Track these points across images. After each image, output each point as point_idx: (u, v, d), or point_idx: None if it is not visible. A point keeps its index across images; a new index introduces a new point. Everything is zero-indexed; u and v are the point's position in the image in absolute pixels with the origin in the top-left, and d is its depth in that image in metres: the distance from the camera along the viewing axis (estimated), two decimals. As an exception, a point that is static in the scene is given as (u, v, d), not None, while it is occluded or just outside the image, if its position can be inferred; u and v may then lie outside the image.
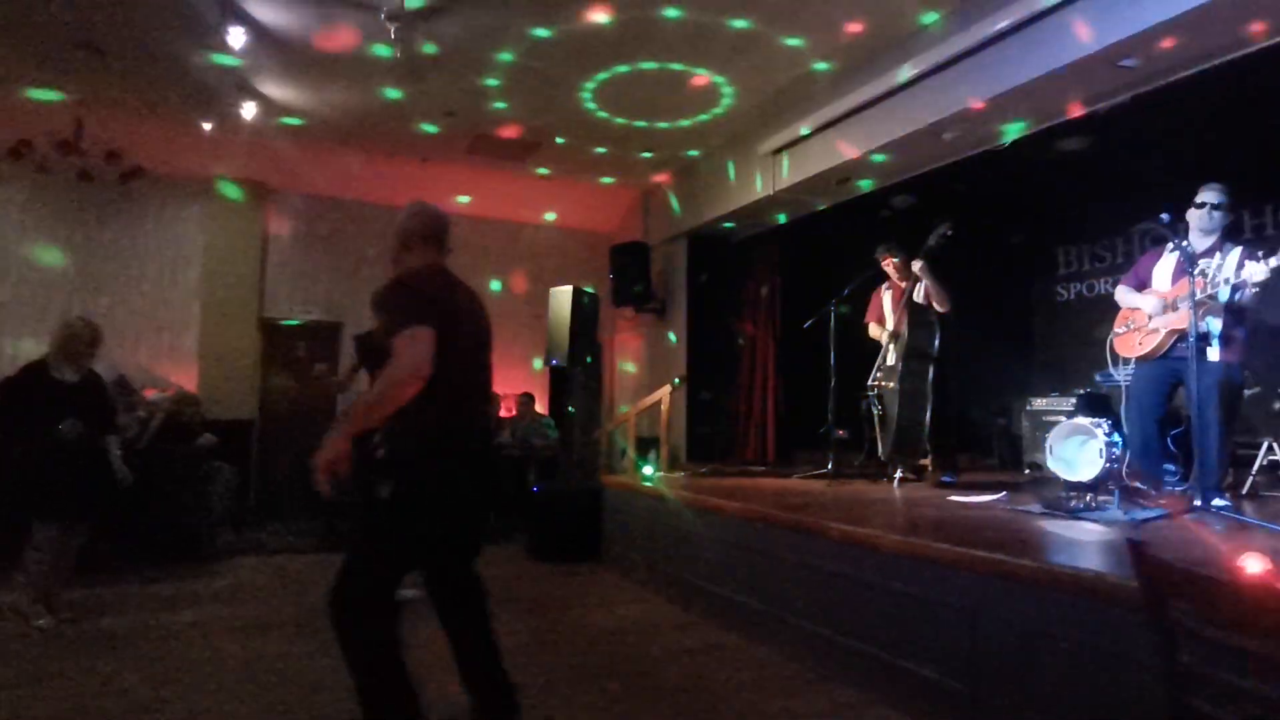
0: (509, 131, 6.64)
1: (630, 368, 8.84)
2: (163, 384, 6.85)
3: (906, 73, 4.88)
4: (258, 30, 4.84)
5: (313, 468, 2.00)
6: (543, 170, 7.65)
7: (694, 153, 7.22)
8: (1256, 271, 3.38)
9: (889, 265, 5.22)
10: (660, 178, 7.96)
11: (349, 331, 7.21)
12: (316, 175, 7.50)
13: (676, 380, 7.00)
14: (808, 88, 5.73)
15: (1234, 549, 2.49)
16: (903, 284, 5.10)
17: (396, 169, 7.48)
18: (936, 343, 4.86)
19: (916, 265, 4.90)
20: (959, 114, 4.75)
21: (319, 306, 7.94)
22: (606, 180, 7.96)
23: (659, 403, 6.70)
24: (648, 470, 6.06)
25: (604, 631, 3.88)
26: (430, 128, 6.54)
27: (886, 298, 5.31)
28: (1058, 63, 4.12)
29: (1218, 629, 1.25)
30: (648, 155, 7.25)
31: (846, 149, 5.57)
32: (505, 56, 5.29)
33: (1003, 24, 4.26)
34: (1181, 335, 3.52)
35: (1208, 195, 3.66)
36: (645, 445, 6.82)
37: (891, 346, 5.10)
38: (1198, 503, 3.37)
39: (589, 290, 6.55)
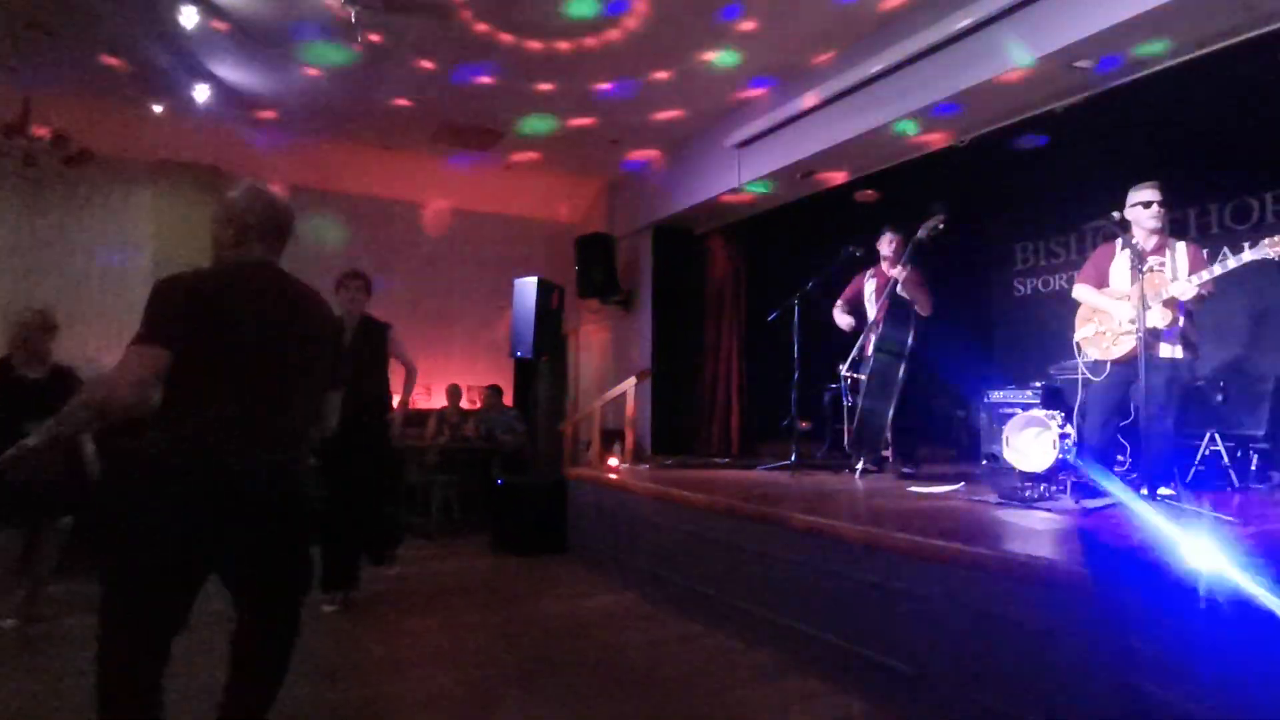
0: (473, 120, 6.55)
1: (595, 360, 8.82)
2: (111, 375, 6.64)
3: (869, 69, 4.92)
4: (212, 10, 4.70)
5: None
6: (505, 160, 7.58)
7: (660, 144, 7.21)
8: (1207, 271, 3.49)
9: (889, 246, 5.14)
10: (625, 169, 7.93)
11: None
12: (276, 161, 7.32)
13: (637, 379, 7.00)
14: (772, 83, 5.76)
15: (1176, 536, 2.57)
16: (891, 272, 5.06)
17: (359, 156, 7.33)
18: (911, 340, 4.87)
19: (900, 272, 4.88)
20: (921, 110, 4.82)
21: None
22: (577, 167, 7.89)
23: (624, 395, 6.69)
24: (612, 462, 6.06)
25: (568, 623, 3.87)
26: (394, 110, 6.41)
27: (870, 285, 5.27)
28: (1010, 64, 4.20)
29: (1165, 612, 1.29)
30: (612, 144, 7.20)
31: (809, 143, 5.61)
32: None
33: (965, 22, 4.33)
34: (1136, 333, 3.60)
35: (1149, 194, 3.71)
36: (610, 437, 6.81)
37: (870, 337, 5.09)
38: (1145, 491, 3.47)
39: (553, 283, 6.52)
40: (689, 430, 7.65)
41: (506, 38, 5.14)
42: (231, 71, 5.61)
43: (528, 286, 6.20)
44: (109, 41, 5.07)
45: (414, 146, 7.20)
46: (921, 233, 4.80)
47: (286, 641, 2.01)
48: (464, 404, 7.62)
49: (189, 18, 4.61)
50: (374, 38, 5.02)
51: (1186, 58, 4.02)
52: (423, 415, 7.01)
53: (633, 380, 6.72)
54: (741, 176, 6.33)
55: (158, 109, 6.10)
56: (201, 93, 5.70)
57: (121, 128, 6.51)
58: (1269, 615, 1.16)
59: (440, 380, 7.54)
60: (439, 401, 7.49)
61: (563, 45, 5.25)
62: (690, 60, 5.47)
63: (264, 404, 1.91)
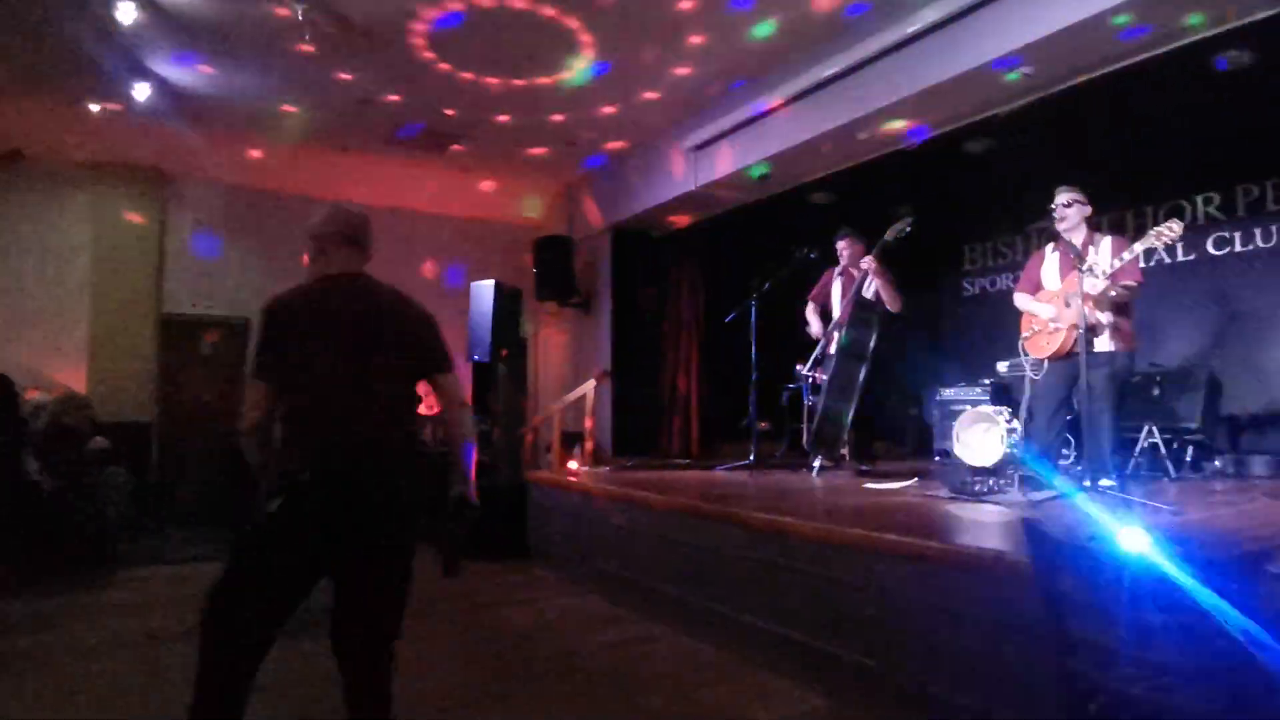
0: (429, 121, 6.47)
1: (554, 362, 8.78)
2: (47, 384, 6.39)
3: (823, 72, 5.01)
4: (152, 6, 4.56)
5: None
6: (463, 162, 7.50)
7: (617, 146, 7.22)
8: (1122, 260, 3.63)
9: (845, 250, 5.26)
10: (584, 171, 7.93)
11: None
12: (224, 163, 7.13)
13: (597, 381, 7.00)
14: (729, 86, 5.81)
15: (1117, 526, 2.67)
16: (854, 273, 5.16)
17: (313, 158, 7.18)
18: (873, 342, 4.95)
19: (868, 261, 4.99)
20: (873, 114, 4.91)
21: (225, 302, 7.55)
22: (536, 169, 7.84)
23: (583, 397, 6.68)
24: (572, 464, 6.03)
25: (531, 627, 3.85)
26: (348, 113, 6.30)
27: (837, 284, 5.35)
28: (962, 67, 4.32)
29: (1100, 598, 1.35)
30: (568, 147, 7.19)
31: (766, 146, 5.68)
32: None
33: (915, 27, 4.43)
34: (1076, 330, 3.75)
35: (1060, 196, 3.92)
36: (570, 440, 6.79)
37: (834, 335, 5.16)
38: (1088, 483, 3.60)
39: (512, 285, 6.47)
40: (649, 432, 7.67)
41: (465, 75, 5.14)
42: (174, 70, 5.44)
43: (485, 289, 6.15)
44: (39, 35, 4.87)
45: (369, 149, 7.08)
46: (889, 235, 4.90)
47: (390, 636, 2.04)
48: (422, 409, 7.51)
49: (126, 13, 4.46)
50: (319, 42, 4.93)
51: (1123, 64, 4.18)
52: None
53: (592, 382, 6.72)
54: (698, 179, 6.38)
55: (94, 108, 5.89)
56: (142, 91, 5.52)
57: (55, 127, 6.27)
58: (1194, 599, 1.22)
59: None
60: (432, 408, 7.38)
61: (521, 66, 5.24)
62: (647, 63, 5.49)
63: (357, 406, 2.03)
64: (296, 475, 1.97)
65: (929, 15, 4.36)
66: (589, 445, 6.55)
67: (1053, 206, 3.94)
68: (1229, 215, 5.59)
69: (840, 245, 5.29)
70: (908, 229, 4.84)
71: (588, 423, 6.63)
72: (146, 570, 5.15)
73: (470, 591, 4.59)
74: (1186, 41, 3.91)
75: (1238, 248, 5.54)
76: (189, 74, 5.50)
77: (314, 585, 2.00)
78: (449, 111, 6.28)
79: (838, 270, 5.37)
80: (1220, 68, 4.27)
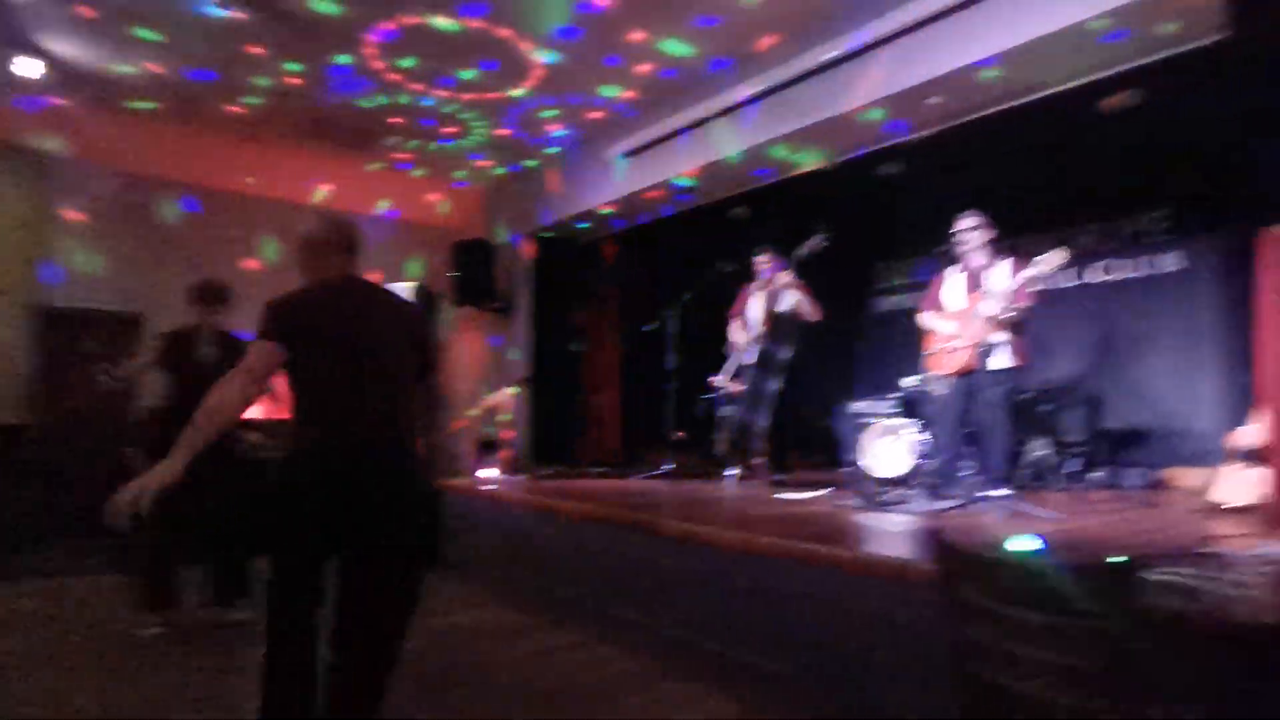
0: (347, 117, 6.26)
1: (473, 368, 8.61)
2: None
3: (742, 92, 5.13)
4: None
5: (122, 496, 1.91)
6: (383, 161, 7.29)
7: (542, 152, 7.18)
8: (1015, 283, 3.88)
9: (764, 265, 5.39)
10: (507, 175, 7.84)
11: (153, 326, 6.47)
12: (120, 147, 6.67)
13: (515, 388, 6.91)
14: (656, 98, 5.88)
15: (1010, 533, 2.83)
16: (772, 288, 5.28)
17: (218, 148, 6.82)
18: (788, 355, 5.10)
19: (785, 275, 5.12)
20: (793, 133, 5.06)
21: (115, 295, 7.06)
22: (458, 172, 7.71)
23: (501, 404, 6.59)
24: (488, 473, 5.94)
25: (443, 640, 3.74)
26: (256, 102, 6.01)
27: (754, 300, 5.49)
28: (874, 95, 4.51)
29: (995, 603, 1.42)
30: (491, 151, 7.11)
31: (687, 160, 5.77)
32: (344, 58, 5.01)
33: (831, 54, 4.60)
34: (978, 348, 3.97)
35: (961, 222, 4.19)
36: (487, 447, 6.68)
37: (749, 350, 5.28)
38: (985, 493, 3.80)
39: (431, 289, 6.33)
40: (567, 440, 7.63)
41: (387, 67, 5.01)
42: (66, 46, 5.06)
43: (403, 292, 5.99)
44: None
45: (282, 141, 6.78)
46: (804, 251, 5.05)
47: (394, 636, 2.19)
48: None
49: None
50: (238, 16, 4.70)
51: (1022, 100, 4.46)
52: (283, 424, 6.59)
53: (511, 389, 6.64)
54: (622, 189, 6.41)
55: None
56: (23, 66, 5.10)
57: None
58: (1077, 602, 1.30)
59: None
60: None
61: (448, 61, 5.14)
62: (577, 73, 5.49)
63: (371, 398, 2.15)
64: (306, 473, 2.08)
65: (839, 46, 4.54)
66: (506, 453, 6.46)
67: (956, 230, 4.18)
68: (1112, 245, 6.04)
69: (759, 260, 5.44)
70: (822, 244, 5.01)
71: (505, 430, 6.54)
72: (16, 584, 4.73)
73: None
74: (1080, 82, 4.20)
75: (1119, 275, 5.99)
76: (78, 47, 5.13)
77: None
78: (370, 107, 6.09)
79: (755, 285, 5.52)
80: (1104, 110, 4.62)
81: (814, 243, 5.02)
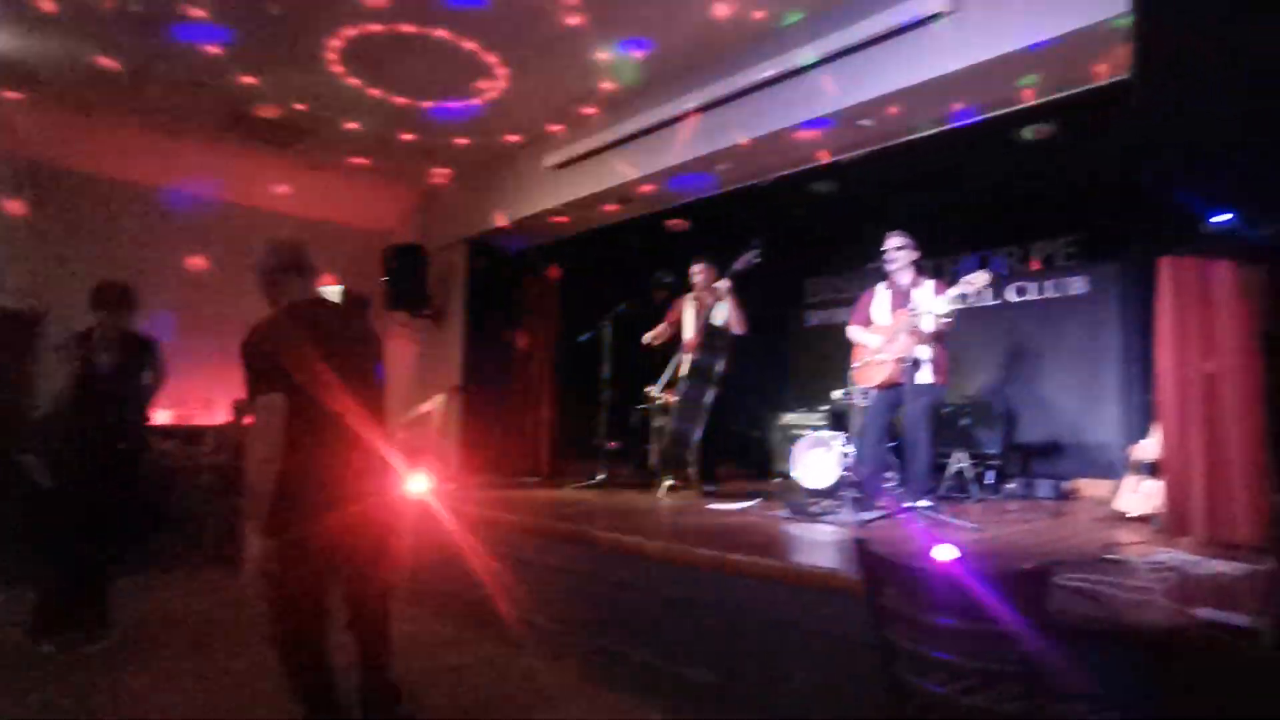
0: (270, 112, 6.03)
1: (402, 376, 8.40)
2: None
3: (683, 105, 5.19)
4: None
5: (256, 575, 2.16)
6: (310, 160, 7.07)
7: (476, 157, 7.09)
8: (941, 303, 4.05)
9: (700, 275, 5.43)
10: (440, 180, 7.71)
11: (57, 326, 6.06)
12: (20, 136, 6.26)
13: (446, 397, 6.78)
14: (593, 106, 5.89)
15: (931, 542, 2.92)
16: (706, 299, 5.33)
17: (132, 138, 6.47)
18: (721, 366, 5.15)
19: (721, 284, 5.18)
20: (727, 150, 5.15)
21: (10, 294, 6.59)
22: (389, 173, 7.51)
23: (432, 413, 6.45)
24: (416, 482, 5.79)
25: (362, 656, 3.61)
26: (174, 90, 5.73)
27: (688, 310, 5.53)
28: (808, 115, 4.63)
29: (916, 609, 1.46)
30: (426, 155, 6.98)
31: (625, 170, 5.79)
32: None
33: (768, 73, 4.70)
34: (902, 363, 4.11)
35: (889, 241, 4.36)
36: (416, 456, 6.51)
37: (684, 358, 5.31)
38: (909, 504, 3.93)
39: (359, 293, 6.15)
40: (499, 449, 7.51)
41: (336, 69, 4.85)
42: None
43: (329, 295, 5.79)
44: None
45: (200, 134, 6.48)
46: (738, 264, 5.13)
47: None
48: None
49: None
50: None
51: (946, 128, 4.65)
52: (199, 432, 6.26)
53: (442, 397, 6.51)
54: (559, 197, 6.38)
55: None
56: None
57: None
58: (992, 608, 1.35)
59: (224, 395, 6.78)
60: (221, 417, 6.73)
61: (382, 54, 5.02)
62: (515, 83, 5.45)
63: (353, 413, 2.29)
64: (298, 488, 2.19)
65: (781, 63, 4.64)
66: (435, 462, 6.32)
67: (884, 249, 4.33)
68: (1027, 267, 6.36)
69: (694, 271, 5.50)
70: (756, 258, 5.10)
71: (435, 439, 6.41)
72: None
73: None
74: (1001, 112, 4.42)
75: (1033, 296, 6.31)
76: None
77: None
78: (300, 105, 5.90)
79: (690, 296, 5.57)
80: (1023, 140, 4.87)
81: (749, 255, 5.11)
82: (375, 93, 5.65)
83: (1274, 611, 1.30)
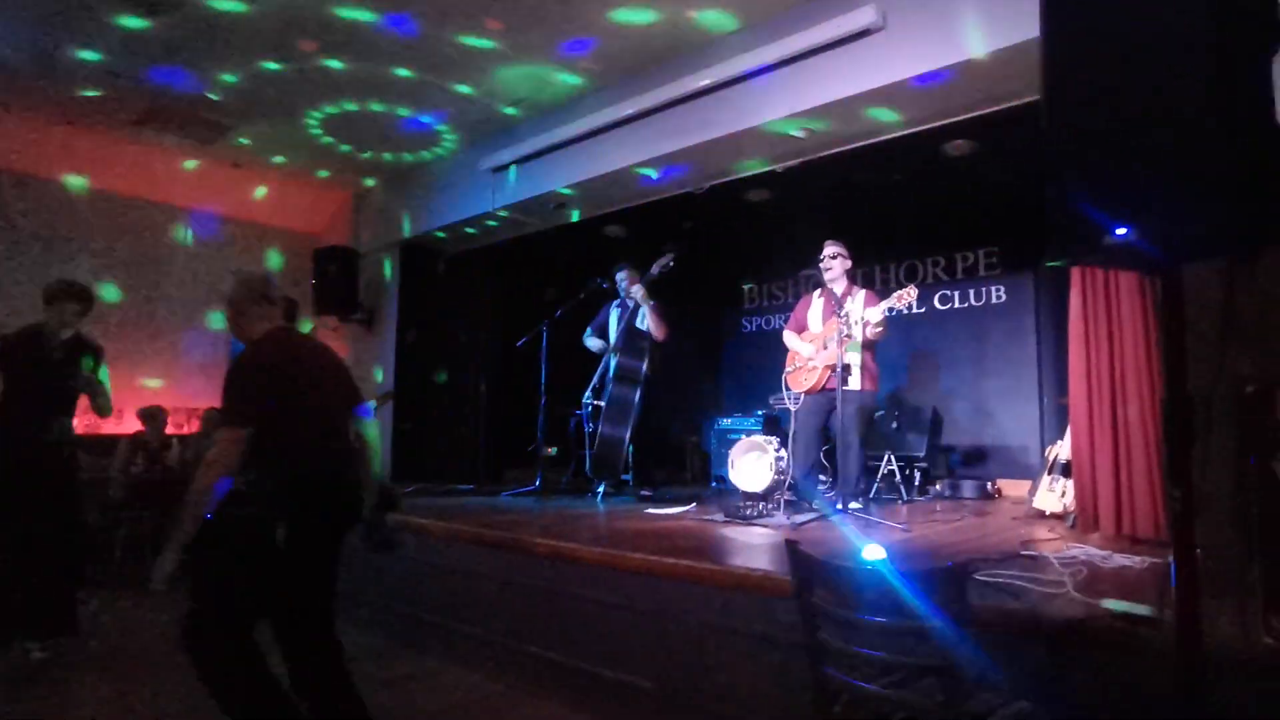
0: (197, 106, 5.78)
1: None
2: None
3: (615, 114, 5.21)
4: None
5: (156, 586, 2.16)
6: (237, 158, 6.81)
7: (412, 158, 6.96)
8: (873, 313, 4.19)
9: (624, 282, 5.48)
10: (373, 182, 7.54)
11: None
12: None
13: (377, 403, 6.61)
14: (528, 116, 5.86)
15: (861, 543, 3.00)
16: (629, 304, 5.39)
17: (35, 131, 6.11)
18: (645, 367, 5.21)
19: (638, 291, 5.24)
20: (664, 156, 5.19)
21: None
22: (320, 174, 7.30)
23: (364, 420, 6.28)
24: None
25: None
26: (91, 91, 5.44)
27: (614, 316, 5.57)
28: (742, 125, 4.71)
29: (844, 608, 1.50)
30: (363, 155, 6.82)
31: (563, 176, 5.78)
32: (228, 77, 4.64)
33: (704, 82, 4.76)
34: (833, 369, 4.22)
35: (826, 250, 4.48)
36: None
37: (611, 364, 5.35)
38: (840, 506, 4.03)
39: (287, 296, 5.93)
40: (432, 456, 7.37)
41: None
42: None
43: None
44: None
45: (113, 127, 6.16)
46: (654, 269, 5.21)
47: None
48: (170, 430, 6.60)
49: None
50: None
51: (875, 140, 4.80)
52: (108, 442, 5.93)
53: (373, 403, 6.35)
54: (495, 201, 6.32)
55: None
56: None
57: None
58: (917, 606, 1.40)
59: (133, 401, 6.45)
60: (131, 426, 6.39)
61: (309, 46, 4.88)
62: (451, 79, 5.37)
63: (328, 435, 2.45)
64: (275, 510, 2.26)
65: (718, 73, 4.71)
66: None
67: (821, 257, 4.44)
68: (951, 277, 6.61)
69: (619, 277, 5.57)
70: (671, 263, 5.22)
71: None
72: None
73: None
74: (926, 127, 4.58)
75: (957, 304, 6.56)
76: None
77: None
78: (222, 98, 5.67)
79: (615, 304, 5.64)
80: (948, 154, 5.07)
81: (663, 261, 5.22)
82: (310, 88, 5.48)
83: (1173, 601, 1.38)
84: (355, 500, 2.48)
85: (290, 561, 2.29)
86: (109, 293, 6.72)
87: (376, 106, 5.74)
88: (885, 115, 4.48)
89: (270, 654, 2.30)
